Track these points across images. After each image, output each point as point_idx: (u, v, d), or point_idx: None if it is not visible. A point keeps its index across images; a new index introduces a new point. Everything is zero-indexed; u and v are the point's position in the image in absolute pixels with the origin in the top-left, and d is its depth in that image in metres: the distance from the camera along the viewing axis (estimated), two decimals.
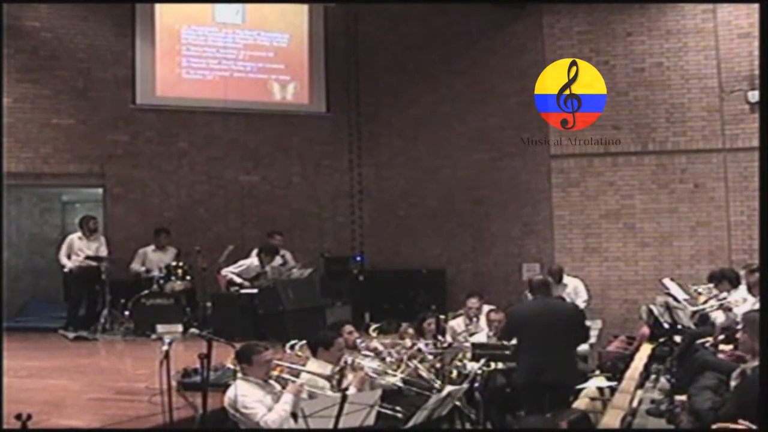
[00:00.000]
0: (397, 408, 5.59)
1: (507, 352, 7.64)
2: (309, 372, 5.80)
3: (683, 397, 5.81)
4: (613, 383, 7.19)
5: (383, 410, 5.39)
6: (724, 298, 7.99)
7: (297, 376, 5.75)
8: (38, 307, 12.80)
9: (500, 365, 7.58)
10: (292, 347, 6.33)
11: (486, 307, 8.98)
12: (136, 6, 12.09)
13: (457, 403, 5.94)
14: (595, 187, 11.83)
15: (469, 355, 7.40)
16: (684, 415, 5.00)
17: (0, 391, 5.76)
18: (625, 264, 11.69)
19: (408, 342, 7.15)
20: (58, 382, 7.37)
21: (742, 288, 8.17)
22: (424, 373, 6.49)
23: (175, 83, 12.36)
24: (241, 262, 10.58)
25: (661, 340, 8.43)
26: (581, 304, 10.51)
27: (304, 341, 6.33)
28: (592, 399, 6.96)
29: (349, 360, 5.97)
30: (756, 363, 4.35)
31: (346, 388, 5.47)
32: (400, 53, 12.88)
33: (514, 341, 7.98)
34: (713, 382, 4.57)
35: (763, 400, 3.49)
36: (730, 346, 6.87)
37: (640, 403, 6.80)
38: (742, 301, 7.84)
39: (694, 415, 4.58)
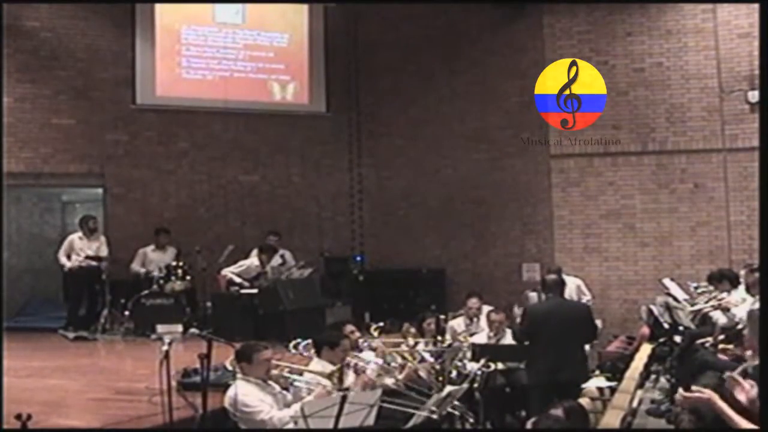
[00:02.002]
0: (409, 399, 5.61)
1: (508, 352, 7.68)
2: (310, 371, 5.79)
3: None
4: (613, 383, 7.21)
5: (386, 405, 5.39)
6: (723, 298, 7.99)
7: (299, 375, 5.74)
8: (38, 307, 12.79)
9: (500, 365, 7.59)
10: (296, 346, 6.31)
11: (486, 308, 8.98)
12: (136, 6, 12.08)
13: (456, 412, 5.94)
14: (595, 187, 11.83)
15: (469, 355, 7.40)
16: (684, 415, 4.98)
17: (0, 391, 5.76)
18: (625, 264, 11.69)
19: (411, 341, 7.15)
20: (58, 382, 7.37)
21: (742, 288, 8.18)
22: (425, 374, 6.49)
23: (175, 83, 12.36)
24: (241, 263, 10.59)
25: (661, 340, 8.44)
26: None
27: (308, 340, 6.32)
28: (593, 399, 6.98)
29: (352, 362, 5.96)
30: (757, 361, 4.33)
31: (348, 388, 5.46)
32: (400, 53, 12.87)
33: (508, 341, 8.03)
34: (713, 382, 4.56)
35: (763, 400, 3.49)
36: (730, 346, 6.88)
37: (640, 403, 6.81)
38: (741, 301, 7.84)
39: (694, 415, 4.56)
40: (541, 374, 6.97)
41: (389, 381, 6.09)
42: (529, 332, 7.23)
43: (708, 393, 3.70)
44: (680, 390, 3.87)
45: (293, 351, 6.40)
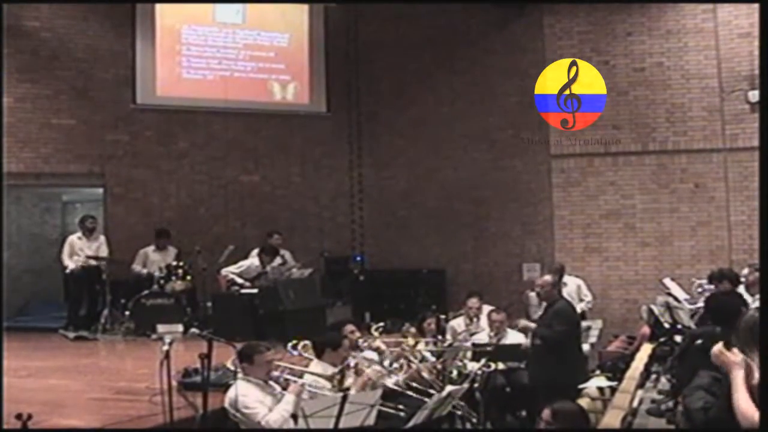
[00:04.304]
0: (400, 406, 5.61)
1: (509, 353, 7.67)
2: (310, 372, 5.79)
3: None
4: (614, 383, 7.19)
5: (385, 409, 5.40)
6: None
7: (300, 377, 5.74)
8: (38, 307, 12.79)
9: (500, 365, 7.59)
10: (294, 347, 6.30)
11: (487, 308, 8.97)
12: (137, 6, 12.07)
13: (458, 411, 5.93)
14: (595, 186, 11.83)
15: (469, 355, 7.40)
16: (680, 416, 4.96)
17: (0, 391, 5.76)
18: (625, 264, 11.69)
19: (411, 341, 7.14)
20: (58, 382, 7.38)
21: (742, 288, 8.17)
22: (426, 374, 6.49)
23: (175, 83, 12.35)
24: (241, 263, 10.58)
25: (662, 339, 8.43)
26: (586, 306, 10.50)
27: (307, 341, 6.31)
28: (593, 399, 6.97)
29: (353, 362, 5.95)
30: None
31: (348, 389, 5.46)
32: (400, 53, 12.87)
33: (508, 341, 8.02)
34: (706, 381, 4.48)
35: (763, 400, 3.47)
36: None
37: (640, 403, 6.80)
38: None
39: (686, 414, 4.51)
40: (546, 374, 6.99)
41: (390, 381, 6.09)
42: (572, 332, 7.27)
43: (739, 360, 3.55)
44: (720, 345, 3.73)
45: (293, 352, 6.40)
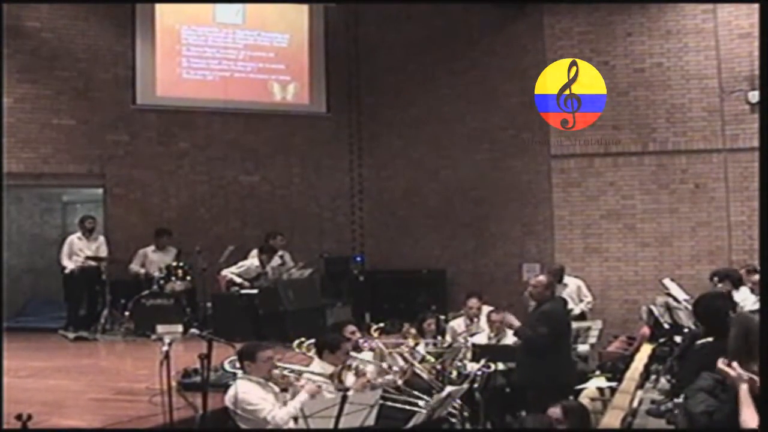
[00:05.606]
0: (410, 399, 5.63)
1: (508, 353, 7.67)
2: (310, 372, 5.80)
3: (680, 399, 5.78)
4: (614, 383, 7.19)
5: (388, 403, 5.42)
6: None
7: (299, 375, 5.74)
8: (38, 308, 12.79)
9: (500, 366, 7.59)
10: (299, 345, 6.31)
11: (486, 308, 8.98)
12: (137, 6, 12.07)
13: (455, 406, 5.94)
14: (595, 187, 11.83)
15: (469, 355, 7.40)
16: (680, 417, 4.93)
17: (0, 391, 5.76)
18: (625, 264, 11.69)
19: (411, 341, 7.14)
20: (58, 382, 7.38)
21: (744, 288, 8.18)
22: (425, 374, 6.49)
23: (175, 83, 12.36)
24: (241, 263, 10.59)
25: (662, 340, 8.43)
26: (585, 306, 10.51)
27: (312, 340, 6.32)
28: (593, 399, 6.97)
29: (353, 364, 5.96)
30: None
31: (348, 389, 5.46)
32: (400, 53, 12.88)
33: (508, 341, 8.03)
34: (708, 383, 4.45)
35: (763, 400, 3.47)
36: None
37: (640, 403, 6.79)
38: (742, 300, 7.83)
39: (687, 417, 4.48)
40: (528, 376, 7.00)
41: (390, 381, 6.10)
42: (556, 335, 7.19)
43: (747, 378, 3.54)
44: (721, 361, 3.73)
45: (297, 350, 6.40)
